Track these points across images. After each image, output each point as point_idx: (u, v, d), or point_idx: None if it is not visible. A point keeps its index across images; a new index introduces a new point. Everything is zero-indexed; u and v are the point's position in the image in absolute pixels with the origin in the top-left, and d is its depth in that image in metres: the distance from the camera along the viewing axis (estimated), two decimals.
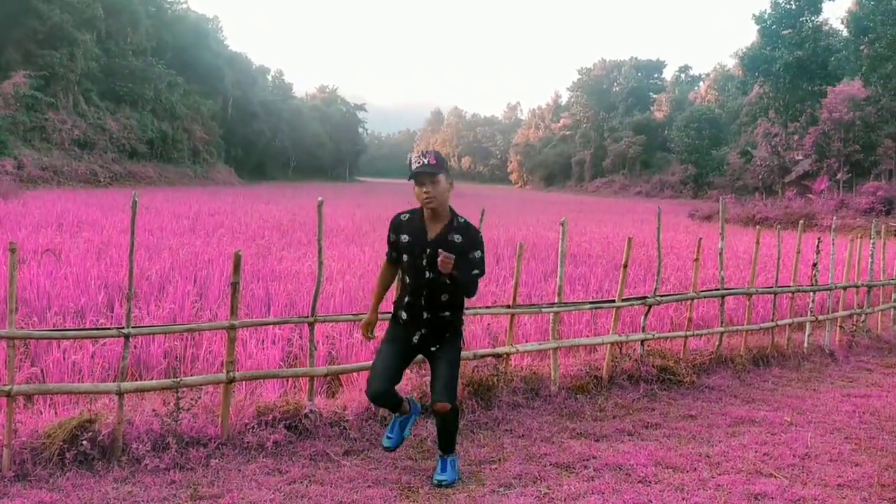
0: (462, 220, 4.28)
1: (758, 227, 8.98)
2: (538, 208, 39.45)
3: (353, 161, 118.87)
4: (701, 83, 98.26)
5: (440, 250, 4.04)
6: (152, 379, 5.77)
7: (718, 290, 7.87)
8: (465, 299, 4.40)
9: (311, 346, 5.31)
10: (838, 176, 43.72)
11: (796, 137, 50.02)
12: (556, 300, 6.55)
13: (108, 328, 5.09)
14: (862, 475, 4.62)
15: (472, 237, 4.24)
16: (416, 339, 4.31)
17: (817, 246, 8.74)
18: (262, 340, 6.86)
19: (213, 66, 68.52)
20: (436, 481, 4.30)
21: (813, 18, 51.44)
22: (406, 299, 4.31)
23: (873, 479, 4.54)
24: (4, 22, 42.91)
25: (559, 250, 6.47)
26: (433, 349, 4.31)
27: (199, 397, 4.87)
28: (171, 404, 4.64)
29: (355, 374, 5.84)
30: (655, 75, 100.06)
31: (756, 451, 5.04)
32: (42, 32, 43.99)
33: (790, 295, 8.69)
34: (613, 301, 6.94)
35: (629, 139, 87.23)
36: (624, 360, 6.81)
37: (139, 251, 10.39)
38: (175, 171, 55.24)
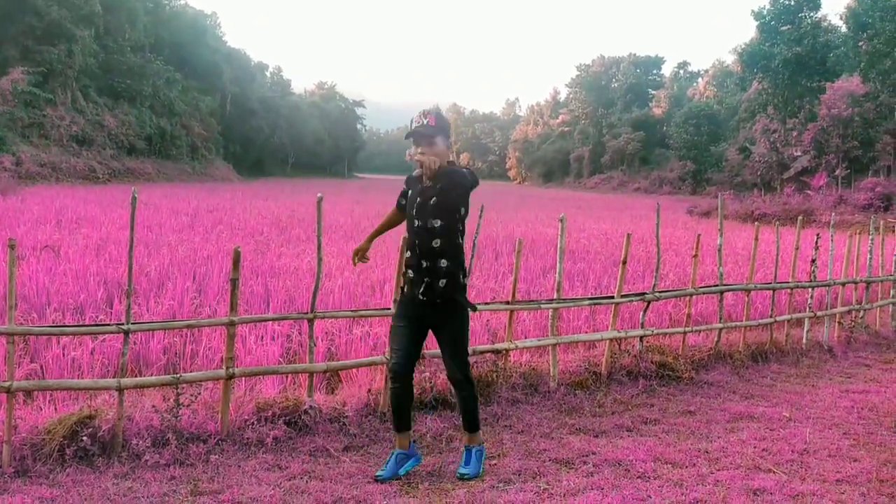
0: (452, 168, 4.29)
1: (756, 223, 8.98)
2: (537, 204, 39.45)
3: (351, 157, 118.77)
4: (700, 79, 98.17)
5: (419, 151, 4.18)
6: (152, 375, 5.77)
7: (717, 286, 7.88)
8: (463, 258, 4.35)
9: (310, 343, 5.31)
10: (837, 172, 43.72)
11: (795, 134, 50.00)
12: (555, 296, 6.56)
13: (108, 324, 5.10)
14: (860, 470, 4.63)
15: (457, 173, 4.25)
16: (421, 292, 4.27)
17: (816, 242, 8.75)
18: (262, 337, 6.86)
19: (211, 63, 68.40)
20: (458, 474, 4.33)
21: (812, 14, 51.40)
22: (408, 254, 4.40)
23: (871, 475, 4.56)
24: (2, 18, 42.83)
25: (558, 246, 6.48)
26: (438, 302, 4.27)
27: (199, 393, 4.88)
28: (171, 400, 4.65)
29: (354, 370, 5.84)
30: (654, 71, 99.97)
31: (755, 447, 5.05)
32: (40, 29, 43.90)
33: (789, 291, 8.70)
34: (612, 297, 6.95)
35: (628, 135, 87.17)
36: (623, 356, 6.82)
37: (138, 247, 10.37)
38: (173, 168, 55.19)
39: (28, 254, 10.15)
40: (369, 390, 5.43)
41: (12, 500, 3.74)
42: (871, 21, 39.98)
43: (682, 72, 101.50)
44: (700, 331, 7.81)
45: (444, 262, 4.24)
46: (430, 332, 4.49)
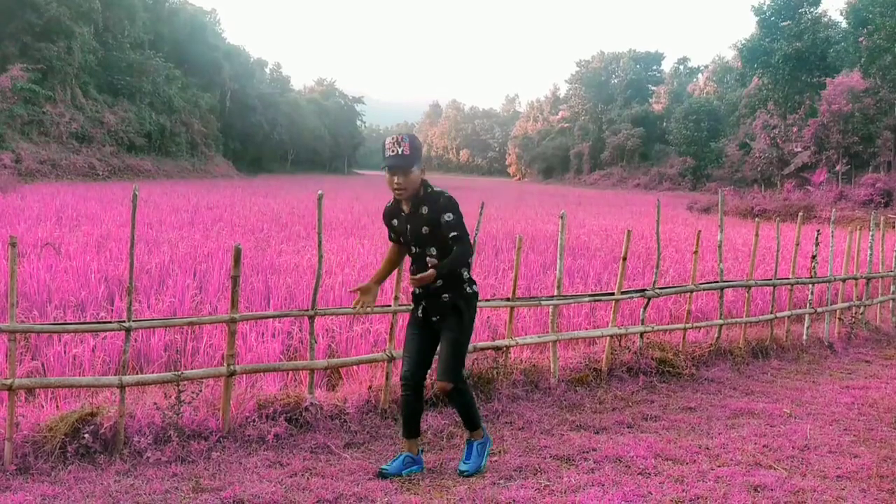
0: (429, 191, 4.26)
1: (757, 219, 8.98)
2: (536, 201, 39.44)
3: (351, 154, 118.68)
4: (699, 75, 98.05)
5: (416, 278, 4.11)
6: (153, 372, 5.78)
7: (717, 282, 7.89)
8: (466, 270, 4.34)
9: (311, 340, 5.32)
10: (837, 168, 43.70)
11: (795, 129, 50.00)
12: (555, 293, 6.56)
13: (110, 322, 5.10)
14: (861, 467, 4.64)
15: (436, 202, 4.19)
16: (420, 311, 4.37)
17: (816, 238, 8.75)
18: (262, 334, 6.87)
19: (210, 60, 68.32)
20: (458, 471, 4.36)
21: (812, 10, 51.36)
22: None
23: (872, 471, 4.56)
24: (1, 15, 42.74)
25: (558, 243, 6.48)
26: (434, 318, 4.33)
27: (200, 390, 4.89)
28: (173, 397, 4.66)
29: (355, 367, 5.85)
30: (654, 67, 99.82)
31: (755, 443, 5.06)
32: (39, 25, 43.82)
33: (789, 287, 8.70)
34: (613, 294, 6.95)
35: (627, 131, 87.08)
36: (623, 352, 6.83)
37: (138, 245, 10.38)
38: (173, 165, 55.13)
39: (29, 251, 10.15)
40: (370, 387, 5.43)
41: (14, 497, 3.75)
42: (872, 16, 39.95)
43: (681, 67, 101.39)
44: (700, 327, 7.81)
45: (439, 283, 4.23)
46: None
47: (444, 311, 4.29)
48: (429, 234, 4.22)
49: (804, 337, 8.52)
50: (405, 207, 4.31)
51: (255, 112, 77.52)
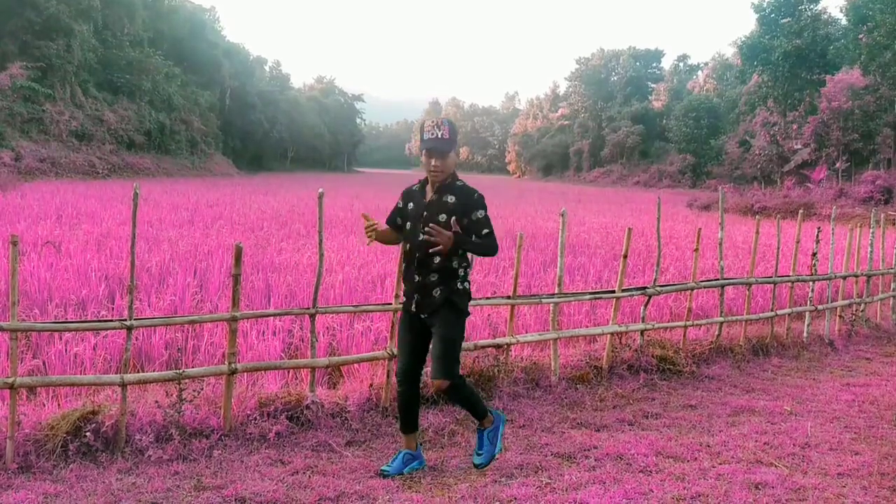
0: (459, 183, 4.29)
1: (757, 216, 8.98)
2: (536, 198, 39.44)
3: (350, 152, 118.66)
4: (699, 72, 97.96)
5: (430, 225, 4.07)
6: (154, 370, 5.78)
7: (718, 279, 7.89)
8: (466, 269, 4.34)
9: (312, 338, 5.32)
10: (837, 165, 43.70)
11: (795, 126, 49.97)
12: (556, 290, 6.56)
13: (111, 320, 5.10)
14: (862, 464, 4.65)
15: (468, 198, 4.22)
16: (413, 306, 4.32)
17: (817, 235, 8.75)
18: (263, 332, 6.87)
19: (210, 57, 68.25)
20: (474, 464, 4.39)
21: (812, 7, 51.31)
22: (404, 266, 4.40)
23: (873, 468, 4.57)
24: (1, 13, 42.70)
25: (559, 241, 6.48)
26: (423, 316, 4.29)
27: (202, 389, 4.89)
28: (174, 396, 4.66)
29: (356, 365, 5.85)
30: (654, 65, 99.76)
31: (756, 441, 5.06)
32: (38, 23, 43.77)
33: (790, 285, 8.71)
34: (613, 291, 6.96)
35: (627, 129, 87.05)
36: (624, 350, 6.83)
37: (139, 243, 10.38)
38: (173, 163, 55.09)
39: (29, 249, 10.15)
40: (371, 385, 5.43)
41: (16, 495, 3.75)
42: (871, 13, 39.92)
43: (681, 65, 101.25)
44: (701, 325, 7.82)
45: (434, 277, 4.22)
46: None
47: (434, 307, 4.25)
48: (443, 223, 4.17)
49: (805, 334, 8.52)
50: (430, 194, 4.28)
51: (254, 110, 77.47)
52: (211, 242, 12.45)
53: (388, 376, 5.39)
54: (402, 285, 4.52)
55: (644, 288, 7.19)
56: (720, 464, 4.59)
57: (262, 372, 5.54)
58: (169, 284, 8.64)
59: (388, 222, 4.53)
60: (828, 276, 8.97)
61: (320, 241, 5.23)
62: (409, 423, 4.41)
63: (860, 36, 41.89)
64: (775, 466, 4.57)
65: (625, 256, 6.91)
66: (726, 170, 60.30)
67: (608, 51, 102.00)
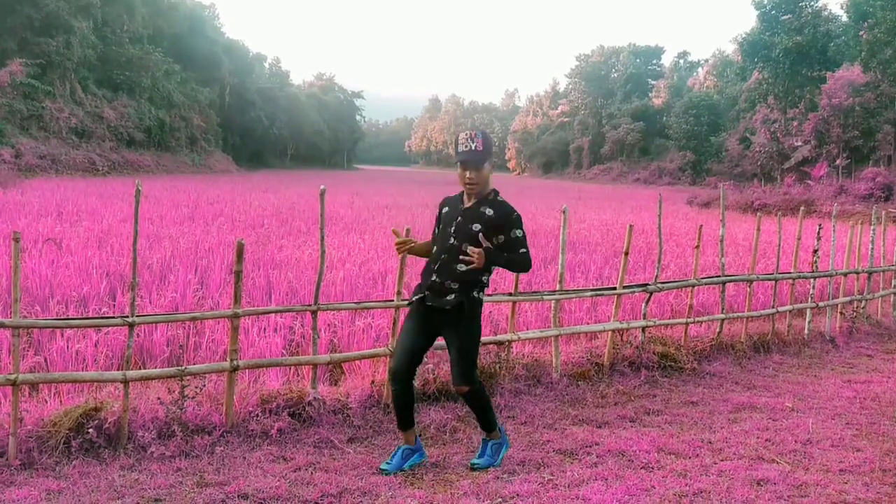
0: (499, 198, 4.32)
1: (758, 213, 8.98)
2: (537, 195, 39.42)
3: (350, 149, 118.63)
4: (699, 69, 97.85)
5: (469, 247, 4.15)
6: (156, 367, 5.78)
7: (719, 276, 7.88)
8: (487, 276, 4.36)
9: (314, 335, 5.32)
10: (837, 162, 43.67)
11: (795, 123, 49.93)
12: (557, 287, 6.56)
13: (113, 317, 5.11)
14: (863, 460, 4.65)
15: (506, 214, 4.26)
16: (420, 297, 4.34)
17: (818, 232, 8.75)
18: (264, 329, 6.87)
19: (209, 54, 68.15)
20: (470, 464, 4.40)
21: (812, 3, 51.24)
22: (426, 266, 4.42)
23: (875, 465, 4.57)
24: (0, 9, 42.65)
25: (560, 238, 6.48)
26: (433, 312, 4.30)
27: (204, 385, 4.90)
28: (176, 392, 4.66)
29: (357, 361, 5.85)
30: (654, 61, 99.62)
31: (758, 437, 5.07)
32: (38, 20, 43.71)
33: (791, 281, 8.71)
34: (615, 288, 6.95)
35: (627, 126, 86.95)
36: (625, 347, 6.83)
37: (140, 240, 10.37)
38: (173, 160, 55.05)
39: (30, 246, 10.15)
40: (372, 382, 5.44)
41: (19, 492, 3.76)
42: (872, 10, 39.87)
43: (682, 62, 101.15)
44: (702, 322, 7.82)
45: (453, 286, 4.25)
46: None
47: (446, 311, 4.27)
48: (476, 233, 4.21)
49: (806, 331, 8.52)
50: (467, 201, 4.31)
51: (254, 107, 77.41)
52: (211, 239, 12.45)
53: (389, 375, 5.39)
54: (420, 279, 4.51)
55: (645, 285, 7.19)
56: (722, 460, 4.59)
57: (264, 369, 5.55)
58: (170, 281, 8.64)
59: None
60: (829, 272, 8.97)
61: (322, 238, 5.23)
62: (405, 421, 4.41)
63: (861, 33, 41.79)
64: (777, 463, 4.58)
65: (626, 253, 6.90)
66: (726, 167, 60.25)
67: (608, 47, 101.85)
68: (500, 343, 6.10)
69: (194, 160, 59.12)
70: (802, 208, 9.75)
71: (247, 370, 5.25)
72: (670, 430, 5.19)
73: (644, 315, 7.04)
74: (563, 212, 6.44)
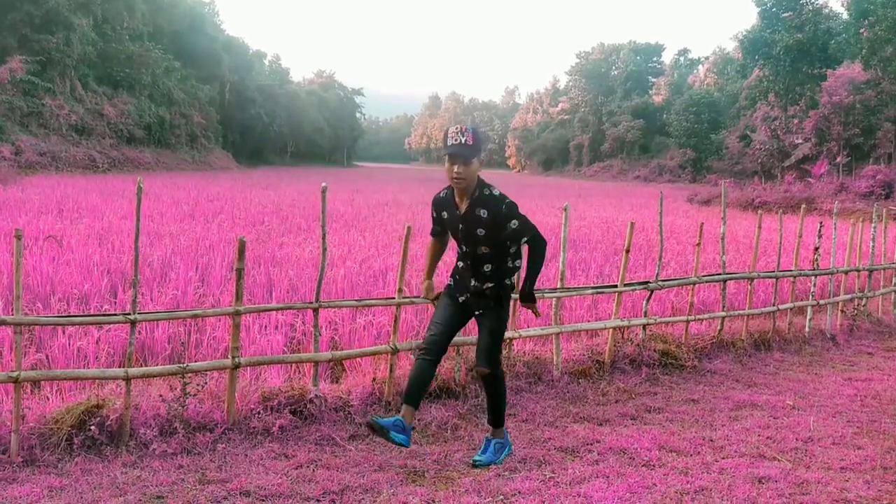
0: (487, 192, 4.30)
1: (759, 211, 8.98)
2: (537, 193, 39.40)
3: (350, 146, 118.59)
4: (700, 67, 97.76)
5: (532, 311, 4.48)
6: (157, 364, 5.79)
7: (720, 274, 7.88)
8: (517, 267, 4.48)
9: (315, 332, 5.33)
10: (838, 160, 43.63)
11: (796, 121, 49.87)
12: (557, 285, 6.56)
13: (115, 314, 5.11)
14: (864, 458, 4.66)
15: (498, 209, 4.26)
16: (461, 299, 4.48)
17: (819, 230, 8.75)
18: (265, 326, 6.87)
19: (209, 51, 68.08)
20: (472, 461, 4.41)
21: (813, 1, 51.13)
22: (458, 264, 4.51)
23: (876, 462, 4.58)
24: (0, 6, 42.60)
25: (561, 235, 6.47)
26: (477, 313, 4.45)
27: (205, 383, 4.90)
28: (178, 390, 4.66)
29: (359, 359, 5.86)
30: (654, 59, 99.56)
31: (759, 435, 5.07)
32: (38, 17, 43.66)
33: (791, 279, 8.71)
34: (616, 286, 6.95)
35: (627, 123, 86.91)
36: (626, 344, 6.83)
37: (140, 237, 10.38)
38: (173, 157, 55.03)
39: (31, 243, 10.15)
40: (374, 379, 5.44)
41: (21, 489, 3.76)
42: (873, 8, 39.81)
43: (682, 59, 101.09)
44: (703, 319, 7.82)
45: (489, 284, 4.38)
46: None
47: (487, 303, 4.40)
48: (483, 237, 4.29)
49: (807, 329, 8.53)
50: (460, 205, 4.33)
51: (254, 104, 77.36)
52: (212, 237, 12.45)
53: (391, 371, 5.40)
54: (452, 277, 4.59)
55: (646, 282, 7.19)
56: (723, 458, 4.60)
57: (266, 366, 5.55)
58: (171, 279, 8.64)
59: (433, 234, 4.67)
60: (830, 270, 8.97)
61: (323, 235, 5.23)
62: (415, 398, 4.37)
63: (861, 30, 41.73)
64: (778, 461, 4.58)
65: (627, 251, 6.90)
66: (727, 164, 60.21)
67: (608, 45, 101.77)
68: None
69: (194, 157, 59.10)
70: (803, 206, 9.73)
71: (248, 367, 5.25)
72: (671, 428, 5.20)
73: (645, 313, 7.05)
74: (565, 209, 6.44)
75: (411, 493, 3.94)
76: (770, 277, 8.46)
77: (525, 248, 4.41)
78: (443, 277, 7.01)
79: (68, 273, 8.46)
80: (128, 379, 4.46)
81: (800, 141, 48.30)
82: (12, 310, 4.29)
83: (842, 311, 9.17)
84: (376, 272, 9.75)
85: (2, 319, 4.41)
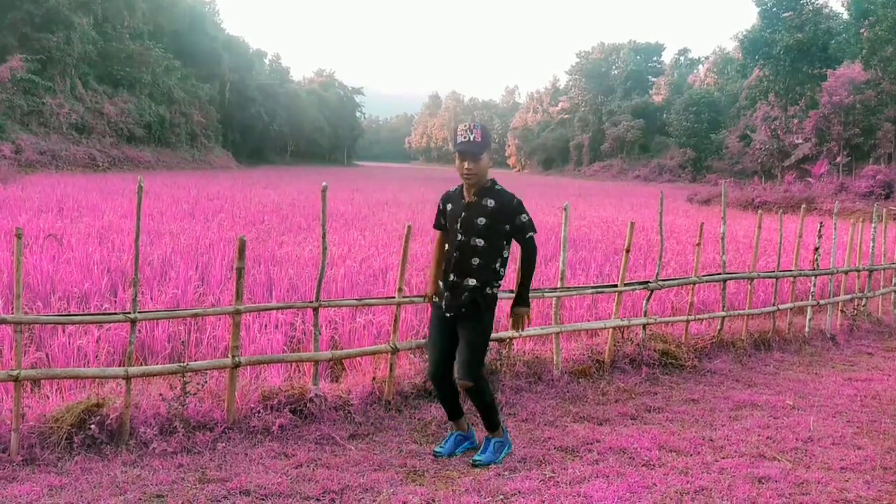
0: (497, 187, 4.39)
1: (759, 210, 8.98)
2: (537, 192, 39.38)
3: (350, 145, 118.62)
4: (700, 66, 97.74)
5: (519, 325, 4.53)
6: (157, 363, 5.79)
7: (720, 274, 7.88)
8: (502, 267, 4.45)
9: (315, 331, 5.32)
10: (838, 159, 43.63)
11: (796, 121, 49.87)
12: (558, 285, 6.56)
13: (115, 313, 5.11)
14: (864, 458, 4.66)
15: (508, 202, 4.33)
16: (442, 303, 4.45)
17: (819, 230, 8.75)
18: (265, 325, 6.88)
19: (210, 50, 68.08)
20: (472, 460, 4.43)
21: (813, 1, 51.16)
22: (443, 266, 4.50)
23: (875, 463, 4.58)
24: (0, 5, 42.59)
25: (562, 235, 6.47)
26: (448, 315, 4.41)
27: (205, 382, 4.90)
28: (178, 389, 4.66)
29: (358, 358, 5.86)
30: (654, 58, 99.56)
31: (759, 435, 5.07)
32: (38, 16, 43.67)
33: (791, 279, 8.70)
34: (616, 286, 6.95)
35: (628, 123, 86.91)
36: (626, 344, 6.83)
37: (140, 236, 10.38)
38: (173, 156, 55.04)
39: (31, 242, 10.16)
40: (374, 378, 5.44)
41: (21, 488, 3.76)
42: (873, 8, 39.80)
43: (682, 59, 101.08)
44: (703, 319, 7.82)
45: (471, 282, 4.35)
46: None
47: (459, 308, 4.37)
48: (483, 227, 4.31)
49: (806, 329, 8.53)
50: (467, 196, 4.38)
51: (254, 103, 77.35)
52: (212, 235, 12.45)
53: (390, 370, 5.40)
54: (430, 282, 4.64)
55: (646, 282, 7.19)
56: (723, 458, 4.60)
57: (266, 365, 5.55)
58: (171, 278, 8.64)
59: (436, 227, 4.66)
60: (830, 270, 8.97)
61: (324, 234, 5.23)
62: (454, 412, 4.62)
63: (862, 30, 41.71)
64: (778, 460, 4.58)
65: (627, 250, 6.90)
66: (727, 164, 60.22)
67: (608, 44, 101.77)
68: (501, 340, 6.09)
69: (194, 156, 59.10)
70: (803, 206, 9.73)
71: (248, 367, 5.25)
72: (671, 428, 5.20)
73: (645, 312, 7.05)
74: (565, 209, 6.43)
75: (411, 492, 3.94)
76: (770, 277, 8.46)
77: (518, 254, 4.50)
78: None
79: (68, 272, 8.45)
80: (128, 378, 4.46)
81: (800, 141, 48.31)
82: (12, 308, 4.29)
83: (842, 311, 9.17)
84: (376, 271, 9.75)
85: (2, 318, 4.40)
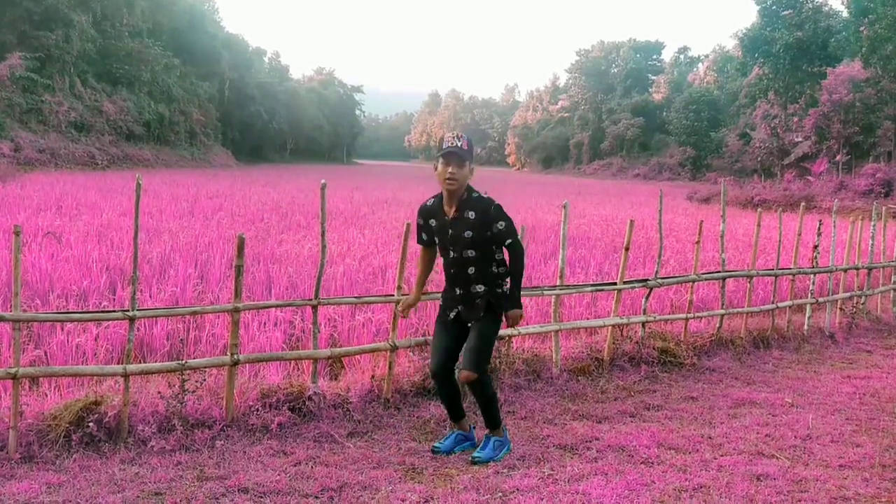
0: (475, 195, 4.43)
1: (759, 209, 8.97)
2: (536, 191, 39.39)
3: (350, 143, 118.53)
4: (700, 64, 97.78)
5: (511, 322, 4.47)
6: (156, 361, 5.78)
7: (719, 272, 7.88)
8: (503, 275, 4.49)
9: (314, 329, 5.32)
10: (837, 158, 43.62)
11: (796, 119, 49.89)
12: (557, 283, 6.56)
13: (114, 311, 5.10)
14: (863, 456, 4.66)
15: (486, 210, 4.37)
16: (452, 315, 4.53)
17: (819, 228, 8.75)
18: (264, 323, 6.87)
19: (209, 48, 68.03)
20: (471, 458, 4.44)
21: None
22: (446, 286, 4.59)
23: (874, 460, 4.58)
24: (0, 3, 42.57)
25: (561, 233, 6.47)
26: (469, 325, 4.49)
27: (204, 379, 4.90)
28: (176, 386, 4.66)
29: (357, 356, 5.86)
30: (654, 57, 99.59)
31: (757, 433, 5.07)
32: (37, 13, 43.63)
33: (791, 277, 8.70)
34: (615, 283, 6.95)
35: (627, 121, 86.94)
36: (625, 342, 6.84)
37: (139, 234, 10.37)
38: (172, 154, 55.01)
39: (30, 240, 10.14)
40: (373, 376, 5.44)
41: (19, 485, 3.76)
42: (873, 6, 39.80)
43: (682, 57, 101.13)
44: (702, 317, 7.82)
45: (479, 288, 4.43)
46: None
47: (479, 311, 4.44)
48: (471, 239, 4.37)
49: (805, 327, 8.53)
50: (449, 211, 4.42)
51: (253, 101, 77.31)
52: (211, 234, 12.45)
53: (389, 368, 5.40)
54: (442, 300, 4.66)
55: (645, 280, 7.19)
56: (722, 455, 4.60)
57: (264, 363, 5.54)
58: (170, 275, 8.63)
59: (419, 242, 4.69)
60: (829, 268, 8.97)
61: (323, 232, 5.22)
62: (456, 412, 4.64)
63: (861, 28, 41.71)
64: (777, 458, 4.58)
65: (627, 248, 6.90)
66: (726, 162, 60.24)
67: (608, 43, 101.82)
68: (500, 338, 6.09)
69: (194, 154, 59.06)
70: (803, 204, 9.74)
71: (247, 364, 5.25)
72: (670, 426, 5.20)
73: (644, 310, 7.05)
74: (564, 207, 6.43)
75: (410, 489, 3.94)
76: (769, 275, 8.46)
77: (508, 257, 4.52)
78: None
79: (67, 270, 8.45)
80: (126, 376, 4.46)
81: (799, 139, 48.31)
82: (11, 306, 4.28)
83: (841, 309, 9.18)
84: (375, 269, 9.74)
85: (1, 316, 4.40)
